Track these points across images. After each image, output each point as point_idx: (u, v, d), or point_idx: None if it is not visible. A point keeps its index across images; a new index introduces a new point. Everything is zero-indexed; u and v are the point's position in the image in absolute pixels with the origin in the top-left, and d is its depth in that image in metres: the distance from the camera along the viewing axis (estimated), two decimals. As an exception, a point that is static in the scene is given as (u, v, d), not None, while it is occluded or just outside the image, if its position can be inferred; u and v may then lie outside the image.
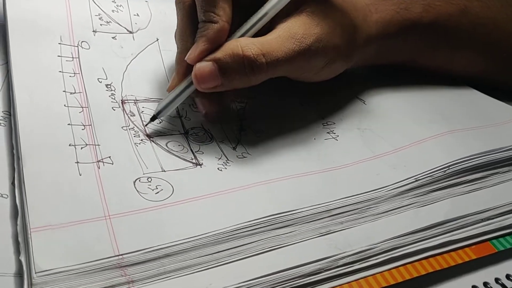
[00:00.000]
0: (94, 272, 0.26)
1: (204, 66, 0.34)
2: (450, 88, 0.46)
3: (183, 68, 0.36)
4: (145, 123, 0.37)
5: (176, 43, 0.38)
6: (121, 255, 0.27)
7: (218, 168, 0.34)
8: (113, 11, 0.45)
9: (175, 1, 0.38)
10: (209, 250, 0.29)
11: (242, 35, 0.36)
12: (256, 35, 0.36)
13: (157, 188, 0.32)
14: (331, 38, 0.37)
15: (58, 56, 0.39)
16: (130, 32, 0.44)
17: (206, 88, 0.35)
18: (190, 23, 0.37)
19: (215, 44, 0.35)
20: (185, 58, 0.35)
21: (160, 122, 0.37)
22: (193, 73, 0.35)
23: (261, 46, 0.34)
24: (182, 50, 0.37)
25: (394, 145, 0.38)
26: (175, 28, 0.39)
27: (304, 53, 0.36)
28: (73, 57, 0.40)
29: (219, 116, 0.38)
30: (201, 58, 0.35)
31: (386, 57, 0.45)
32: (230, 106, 0.41)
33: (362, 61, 0.43)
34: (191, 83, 0.36)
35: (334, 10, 0.38)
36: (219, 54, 0.34)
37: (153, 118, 0.36)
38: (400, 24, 0.42)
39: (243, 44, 0.34)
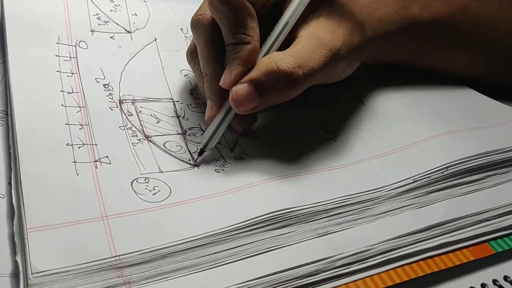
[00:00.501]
0: (90, 273, 0.26)
1: (241, 89, 0.34)
2: (449, 89, 0.46)
3: (218, 95, 0.35)
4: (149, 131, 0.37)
5: (201, 68, 0.36)
6: (118, 256, 0.27)
7: (215, 170, 0.34)
8: (111, 10, 0.45)
9: (192, 24, 0.37)
10: (206, 251, 0.29)
11: (269, 50, 0.35)
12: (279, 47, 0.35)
13: (154, 189, 0.32)
14: (352, 38, 0.37)
15: (56, 55, 0.39)
16: (128, 32, 0.44)
17: (245, 111, 0.34)
18: (215, 48, 0.36)
19: (249, 65, 0.34)
20: (220, 84, 0.34)
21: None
22: (230, 97, 0.34)
23: (294, 58, 0.33)
24: (213, 77, 0.35)
25: (393, 146, 0.37)
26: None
27: (335, 58, 0.35)
28: (70, 57, 0.40)
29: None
30: (237, 81, 0.34)
31: (385, 57, 0.44)
32: None
33: (364, 60, 0.43)
34: (230, 109, 0.35)
35: (345, 9, 0.37)
36: (253, 74, 0.33)
37: (200, 153, 0.35)
38: (399, 23, 0.42)
39: (276, 59, 0.33)
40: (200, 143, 0.36)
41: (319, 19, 0.36)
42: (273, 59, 0.33)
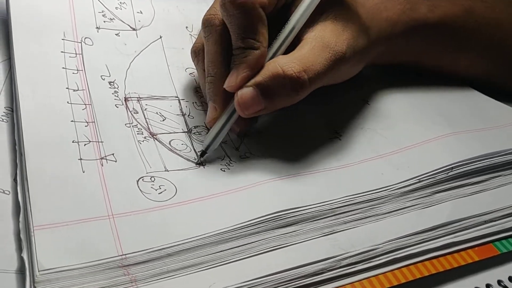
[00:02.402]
0: (97, 271, 0.26)
1: (246, 92, 0.34)
2: (453, 90, 0.46)
3: (222, 98, 0.35)
4: (150, 122, 0.37)
5: (206, 68, 0.36)
6: (124, 254, 0.27)
7: (221, 169, 0.34)
8: (116, 8, 0.45)
9: (203, 23, 0.36)
10: (211, 250, 0.29)
11: (275, 53, 0.35)
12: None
13: (160, 188, 0.32)
14: (357, 41, 0.37)
15: (62, 52, 0.39)
16: (134, 29, 0.44)
17: (250, 114, 0.34)
18: (223, 49, 0.35)
19: (256, 70, 0.34)
20: (224, 86, 0.34)
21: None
22: (235, 100, 0.34)
23: (300, 62, 0.33)
24: (217, 79, 0.35)
25: (398, 145, 0.37)
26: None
27: (340, 61, 0.35)
28: (76, 53, 0.40)
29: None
30: (242, 85, 0.34)
31: (391, 57, 0.44)
32: None
33: (370, 61, 0.43)
34: (233, 111, 0.35)
35: (352, 11, 0.38)
36: (259, 78, 0.34)
37: (202, 154, 0.35)
38: (406, 24, 0.42)
39: (281, 63, 0.33)
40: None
41: (326, 22, 0.36)
42: (278, 63, 0.33)
